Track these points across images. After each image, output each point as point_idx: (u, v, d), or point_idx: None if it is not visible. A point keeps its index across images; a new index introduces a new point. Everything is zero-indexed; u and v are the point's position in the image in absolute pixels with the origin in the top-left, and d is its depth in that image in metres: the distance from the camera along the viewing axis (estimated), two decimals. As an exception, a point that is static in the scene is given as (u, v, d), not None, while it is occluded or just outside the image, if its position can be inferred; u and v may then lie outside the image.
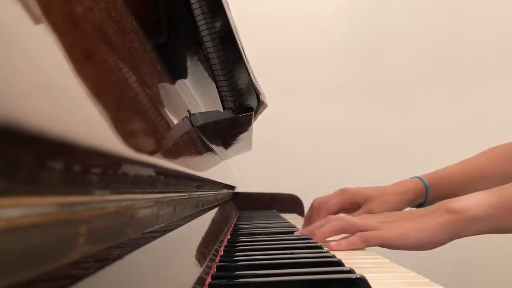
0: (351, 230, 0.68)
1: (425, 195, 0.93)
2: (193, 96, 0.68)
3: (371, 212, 0.86)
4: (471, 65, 1.73)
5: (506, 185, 0.70)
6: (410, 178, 0.96)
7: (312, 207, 0.91)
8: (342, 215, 0.77)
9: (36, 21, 0.16)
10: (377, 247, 0.66)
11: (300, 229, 0.79)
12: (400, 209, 0.90)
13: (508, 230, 0.71)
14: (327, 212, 0.87)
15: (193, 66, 0.71)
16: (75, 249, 0.16)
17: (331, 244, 0.66)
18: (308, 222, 0.88)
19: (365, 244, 0.66)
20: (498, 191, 0.69)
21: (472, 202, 0.68)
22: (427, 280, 0.43)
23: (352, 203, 0.91)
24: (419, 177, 0.95)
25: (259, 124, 0.83)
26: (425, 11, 1.76)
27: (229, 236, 0.69)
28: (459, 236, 0.68)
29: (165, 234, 0.33)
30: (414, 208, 0.94)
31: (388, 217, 0.72)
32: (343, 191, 0.92)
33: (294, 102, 1.72)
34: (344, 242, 0.66)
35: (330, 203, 0.89)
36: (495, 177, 0.90)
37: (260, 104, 0.67)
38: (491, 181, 0.86)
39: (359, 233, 0.67)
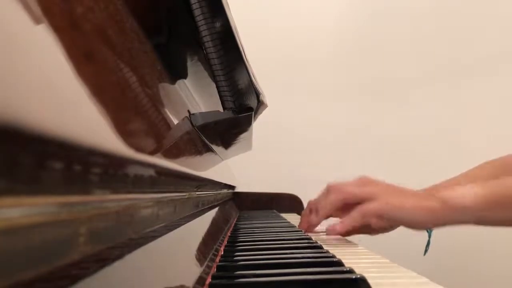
0: (352, 199, 0.70)
1: None
2: (193, 96, 0.68)
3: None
4: (471, 65, 1.73)
5: (497, 180, 0.73)
6: None
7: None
8: (337, 186, 0.74)
9: (36, 21, 0.16)
10: (377, 248, 0.66)
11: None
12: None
13: (493, 223, 0.75)
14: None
15: (193, 66, 0.71)
16: (75, 249, 0.16)
17: (336, 227, 0.68)
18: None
19: (365, 218, 0.68)
20: (489, 185, 0.72)
21: (461, 193, 0.71)
22: (427, 280, 0.43)
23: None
24: None
25: (259, 124, 0.83)
26: (425, 11, 1.76)
27: (229, 236, 0.69)
28: (445, 223, 0.71)
29: (165, 234, 0.33)
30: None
31: (384, 187, 0.74)
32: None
33: (294, 102, 1.72)
34: (346, 220, 0.68)
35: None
36: None
37: (260, 104, 0.67)
38: None
39: (358, 208, 0.68)
